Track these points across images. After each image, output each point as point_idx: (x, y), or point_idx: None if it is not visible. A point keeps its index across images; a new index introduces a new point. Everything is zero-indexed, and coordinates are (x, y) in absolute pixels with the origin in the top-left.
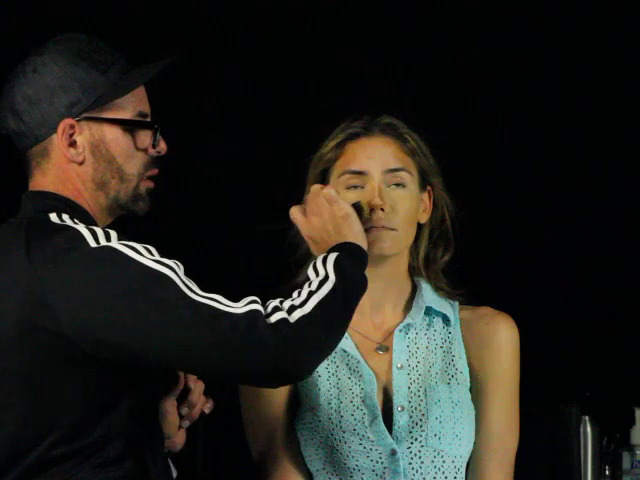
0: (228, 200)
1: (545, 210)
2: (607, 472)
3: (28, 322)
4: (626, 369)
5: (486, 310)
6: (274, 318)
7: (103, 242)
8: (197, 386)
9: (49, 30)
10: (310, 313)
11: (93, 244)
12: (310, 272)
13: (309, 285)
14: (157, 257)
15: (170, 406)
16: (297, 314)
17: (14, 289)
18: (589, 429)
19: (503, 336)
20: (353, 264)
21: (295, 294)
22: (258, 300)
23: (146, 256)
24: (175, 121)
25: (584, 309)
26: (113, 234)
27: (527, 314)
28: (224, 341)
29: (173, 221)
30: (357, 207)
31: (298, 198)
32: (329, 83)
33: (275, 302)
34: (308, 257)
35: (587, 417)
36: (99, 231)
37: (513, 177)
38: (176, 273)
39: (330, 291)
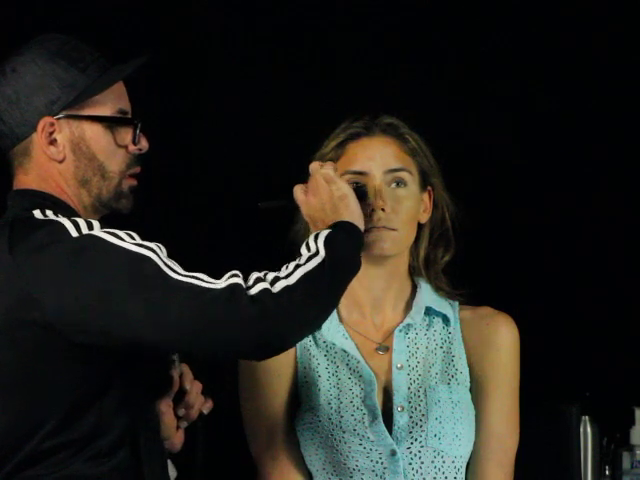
0: (228, 200)
1: (545, 210)
2: (607, 472)
3: (14, 317)
4: (626, 369)
5: (486, 310)
6: (255, 289)
7: (85, 231)
8: (194, 386)
9: (38, 30)
10: (294, 285)
11: (75, 234)
12: (302, 248)
13: (298, 260)
14: (138, 241)
15: (166, 407)
16: (280, 284)
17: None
18: (589, 429)
19: (503, 336)
20: (345, 241)
21: (283, 267)
22: (239, 274)
23: (127, 241)
24: (174, 121)
25: (584, 309)
26: (96, 223)
27: (527, 314)
28: (205, 317)
29: (172, 220)
30: (362, 190)
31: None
32: (329, 83)
33: (259, 274)
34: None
35: (587, 417)
36: (81, 221)
37: (513, 177)
38: (157, 255)
39: (318, 265)
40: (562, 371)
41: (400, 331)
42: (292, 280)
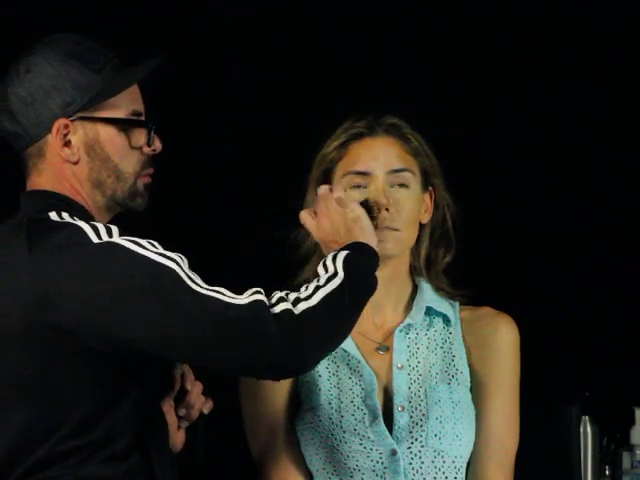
0: (229, 200)
1: (545, 210)
2: (607, 472)
3: (32, 319)
4: (626, 369)
5: (486, 310)
6: (278, 308)
7: (105, 238)
8: (195, 387)
9: (45, 29)
10: (315, 306)
11: (95, 239)
12: (320, 269)
13: (317, 280)
14: (161, 250)
15: (167, 407)
16: (302, 306)
17: (17, 287)
18: (589, 429)
19: (503, 336)
20: (363, 262)
21: (303, 288)
22: (262, 291)
23: (150, 249)
24: (173, 121)
25: (584, 309)
26: (115, 229)
27: (527, 314)
28: (227, 332)
29: (172, 222)
30: (366, 205)
31: (300, 198)
32: (330, 83)
33: (281, 293)
34: (309, 257)
35: (587, 417)
36: (101, 227)
37: (514, 177)
38: (180, 266)
39: (337, 287)
40: (562, 371)
41: (401, 331)
42: (313, 302)
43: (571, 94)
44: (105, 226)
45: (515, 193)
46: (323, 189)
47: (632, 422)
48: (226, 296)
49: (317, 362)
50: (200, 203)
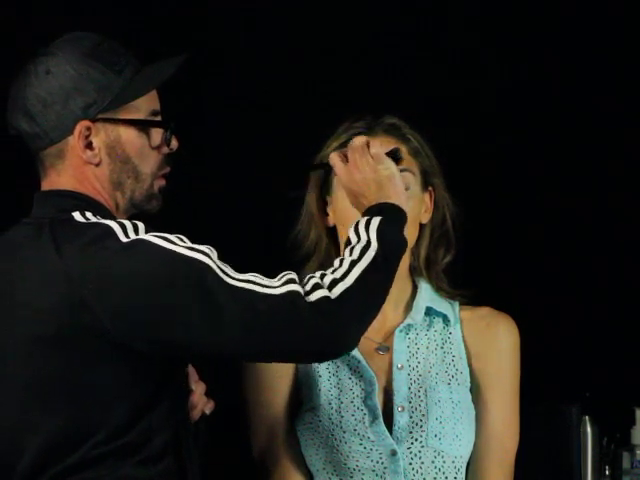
0: (229, 201)
1: (545, 210)
2: (607, 472)
3: (66, 321)
4: (626, 369)
5: (486, 310)
6: (315, 296)
7: (132, 235)
8: (198, 387)
9: (51, 29)
10: (352, 286)
11: (123, 238)
12: (352, 234)
13: (350, 253)
14: (189, 244)
15: None
16: (339, 289)
17: (47, 289)
18: (589, 429)
19: (503, 336)
20: (395, 231)
21: (337, 263)
22: (294, 276)
23: (179, 244)
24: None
25: (584, 309)
26: (141, 226)
27: (527, 314)
28: (267, 326)
29: (173, 222)
30: (396, 154)
31: (300, 199)
32: (330, 83)
33: (316, 278)
34: (309, 257)
35: (587, 417)
36: (128, 224)
37: (513, 177)
38: (211, 258)
39: (372, 261)
40: (562, 371)
41: (400, 331)
42: (349, 281)
43: (572, 94)
44: (132, 223)
45: (515, 193)
46: (358, 140)
47: (632, 422)
48: (260, 285)
49: (359, 341)
50: (200, 203)
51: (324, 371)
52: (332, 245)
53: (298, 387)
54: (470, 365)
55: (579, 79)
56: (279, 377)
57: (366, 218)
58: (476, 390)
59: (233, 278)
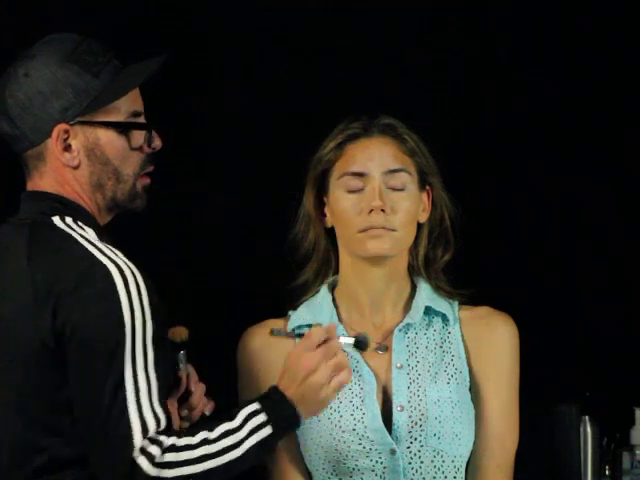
0: (228, 201)
1: (545, 209)
2: (607, 472)
3: (27, 324)
4: (626, 369)
5: (486, 310)
6: (153, 459)
7: (136, 301)
8: (198, 388)
9: (41, 28)
10: (191, 460)
11: (123, 295)
12: (241, 412)
13: (214, 429)
14: (148, 315)
15: (171, 407)
16: (181, 471)
17: (12, 293)
18: (589, 429)
19: (503, 336)
20: (270, 444)
21: (202, 433)
22: (160, 441)
23: (145, 306)
24: (171, 121)
25: (584, 309)
26: (143, 288)
27: (527, 314)
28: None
29: (173, 223)
30: (361, 343)
31: (297, 199)
32: (329, 83)
33: (172, 441)
34: (309, 258)
35: (587, 417)
36: (131, 282)
37: (513, 176)
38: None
39: (226, 463)
40: (562, 371)
41: (400, 331)
42: (193, 455)
43: (572, 94)
44: (137, 284)
45: (515, 192)
46: (316, 332)
47: (632, 422)
48: (141, 424)
49: None
50: (199, 203)
51: None
52: (331, 246)
53: None
54: (469, 364)
55: (579, 79)
56: (278, 376)
57: (257, 409)
58: (475, 389)
59: (135, 378)
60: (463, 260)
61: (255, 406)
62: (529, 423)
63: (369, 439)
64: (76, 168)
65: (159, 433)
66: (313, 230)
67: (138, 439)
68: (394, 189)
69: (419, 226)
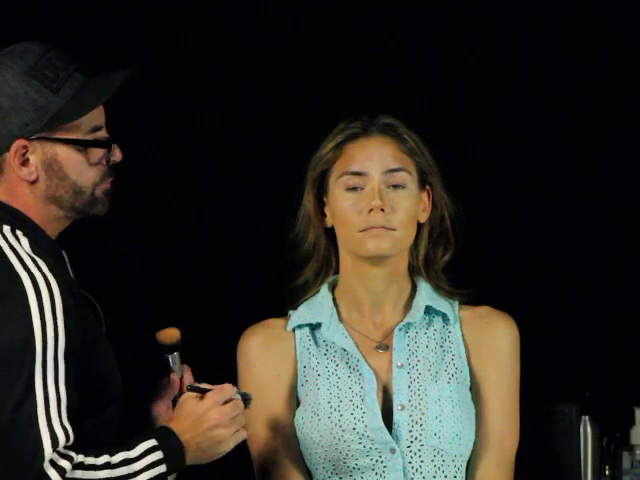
0: (227, 201)
1: (545, 209)
2: (607, 472)
3: None
4: (626, 369)
5: (486, 309)
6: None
7: (50, 326)
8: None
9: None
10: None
11: (36, 317)
12: (139, 447)
13: (116, 452)
14: (51, 327)
15: (164, 408)
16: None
17: None
18: (589, 429)
19: (503, 336)
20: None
21: (102, 460)
22: (71, 456)
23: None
24: (171, 121)
25: (584, 309)
26: (60, 318)
27: (527, 314)
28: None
29: (173, 223)
30: (245, 398)
31: (297, 199)
32: (328, 83)
33: (80, 459)
34: (309, 258)
35: (587, 417)
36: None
37: (513, 176)
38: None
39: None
40: (562, 371)
41: (400, 330)
42: (93, 476)
43: (572, 94)
44: (53, 315)
45: (515, 192)
46: (229, 388)
47: (632, 422)
48: (50, 436)
49: None
50: (200, 203)
51: (323, 369)
52: (331, 245)
53: (297, 385)
54: (470, 364)
55: (579, 79)
56: (277, 375)
57: (156, 443)
58: (476, 389)
59: (44, 388)
60: (463, 260)
61: (153, 442)
62: (529, 423)
63: (369, 438)
64: (34, 183)
65: (67, 448)
66: (313, 230)
67: (48, 451)
68: (394, 189)
69: (419, 226)
